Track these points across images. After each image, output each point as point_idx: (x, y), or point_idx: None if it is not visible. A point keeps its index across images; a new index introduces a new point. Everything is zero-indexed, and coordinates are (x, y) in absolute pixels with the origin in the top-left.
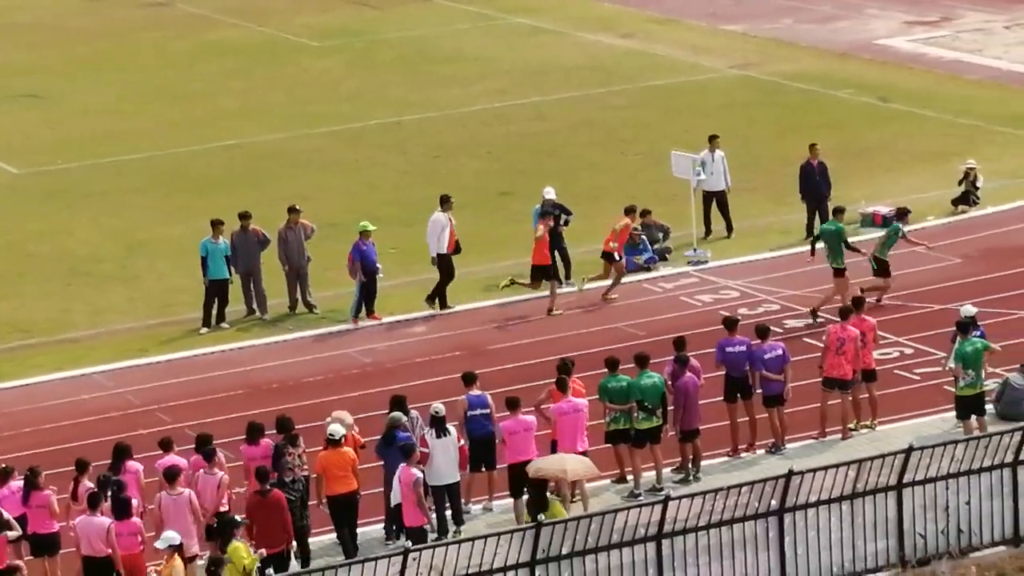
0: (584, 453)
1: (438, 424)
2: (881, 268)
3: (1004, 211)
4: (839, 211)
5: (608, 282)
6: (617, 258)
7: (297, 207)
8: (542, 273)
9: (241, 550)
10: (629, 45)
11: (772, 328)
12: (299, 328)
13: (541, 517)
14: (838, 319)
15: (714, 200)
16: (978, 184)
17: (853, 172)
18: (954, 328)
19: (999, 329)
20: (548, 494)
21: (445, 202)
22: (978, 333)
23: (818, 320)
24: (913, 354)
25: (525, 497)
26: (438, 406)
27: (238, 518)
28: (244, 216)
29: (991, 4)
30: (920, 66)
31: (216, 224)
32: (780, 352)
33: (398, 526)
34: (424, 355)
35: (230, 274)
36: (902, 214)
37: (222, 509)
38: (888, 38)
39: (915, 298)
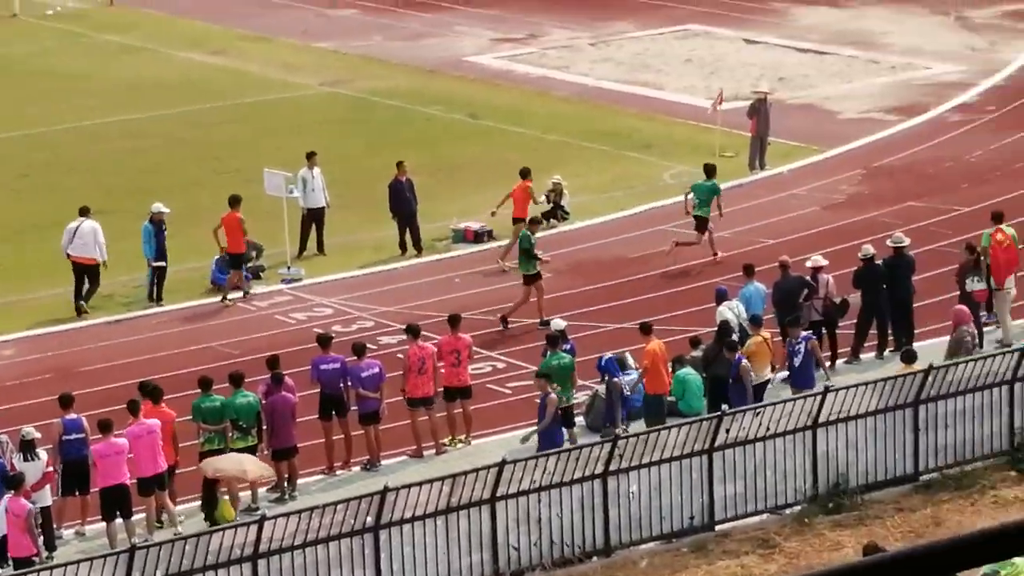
0: (165, 472)
1: (27, 448)
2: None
3: (592, 225)
4: (536, 221)
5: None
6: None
7: None
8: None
9: None
10: (221, 62)
11: (367, 345)
12: None
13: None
14: (411, 337)
15: (313, 217)
16: (564, 199)
17: (445, 188)
18: (545, 342)
19: (589, 342)
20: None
21: (87, 212)
22: (568, 347)
23: (508, 327)
24: (505, 368)
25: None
26: (29, 429)
27: None
28: None
29: (576, 22)
30: (508, 83)
31: None
32: (376, 370)
33: (2, 556)
34: (14, 378)
35: None
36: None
37: None
38: (477, 55)
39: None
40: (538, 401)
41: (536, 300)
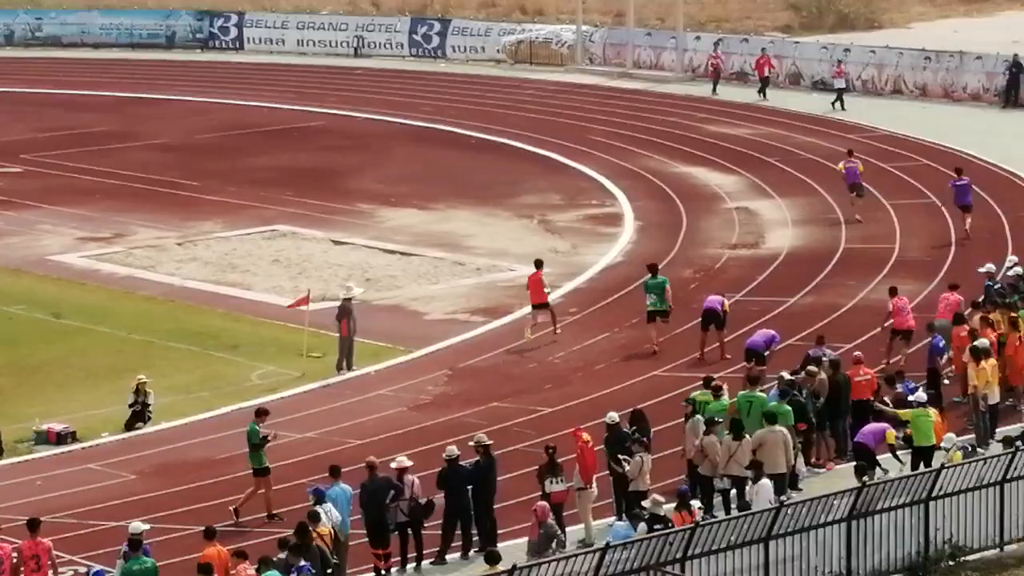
0: None
1: None
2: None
3: (178, 426)
4: (262, 412)
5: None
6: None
7: None
8: None
9: None
10: None
11: None
12: None
13: None
14: None
15: None
16: (150, 399)
17: (27, 389)
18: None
19: (172, 546)
20: None
21: None
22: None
23: (240, 520)
24: (86, 574)
25: None
26: None
27: None
28: None
29: (163, 221)
30: (94, 282)
31: None
32: None
33: None
34: None
35: None
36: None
37: None
38: (62, 254)
39: (91, 515)
40: None
41: (264, 494)
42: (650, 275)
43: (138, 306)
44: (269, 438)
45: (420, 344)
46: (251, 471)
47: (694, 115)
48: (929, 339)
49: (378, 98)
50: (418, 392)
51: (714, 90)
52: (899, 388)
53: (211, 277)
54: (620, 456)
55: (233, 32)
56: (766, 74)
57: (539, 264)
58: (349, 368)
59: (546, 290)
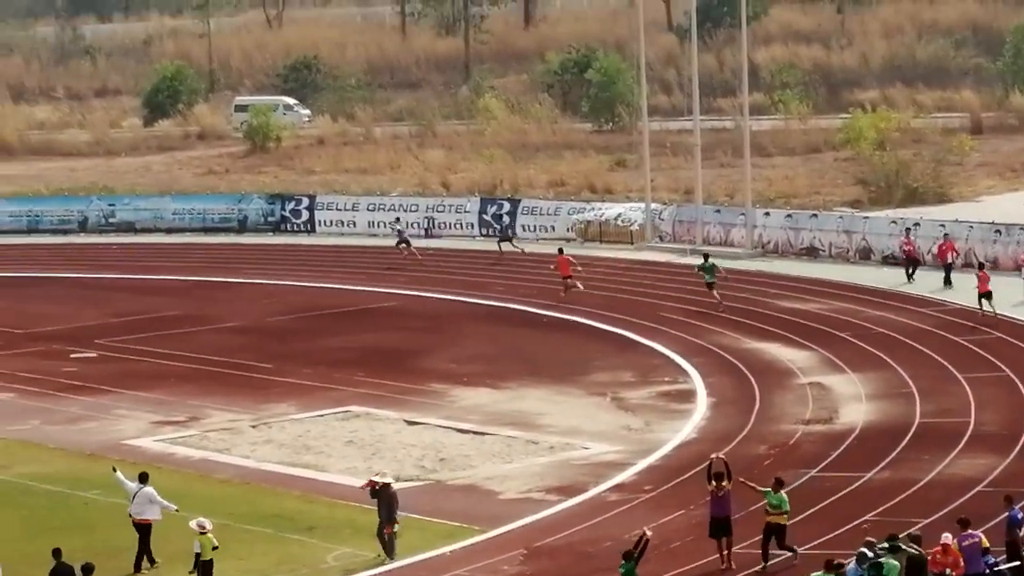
0: None
1: None
2: None
3: None
4: None
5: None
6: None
7: None
8: None
9: None
10: None
11: None
12: None
13: None
14: None
15: None
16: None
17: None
18: None
19: None
20: None
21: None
22: None
23: None
24: None
25: None
26: None
27: None
28: None
29: (238, 404)
30: (169, 465)
31: None
32: None
33: None
34: None
35: None
36: None
37: None
38: (137, 438)
39: None
40: None
41: None
42: (703, 260)
43: (213, 489)
44: None
45: (495, 524)
46: None
47: (765, 291)
48: (1007, 512)
49: (449, 278)
50: (493, 572)
51: (911, 276)
52: None
53: (286, 459)
54: None
55: (304, 215)
56: (949, 260)
57: (561, 251)
58: (391, 556)
59: (577, 269)
